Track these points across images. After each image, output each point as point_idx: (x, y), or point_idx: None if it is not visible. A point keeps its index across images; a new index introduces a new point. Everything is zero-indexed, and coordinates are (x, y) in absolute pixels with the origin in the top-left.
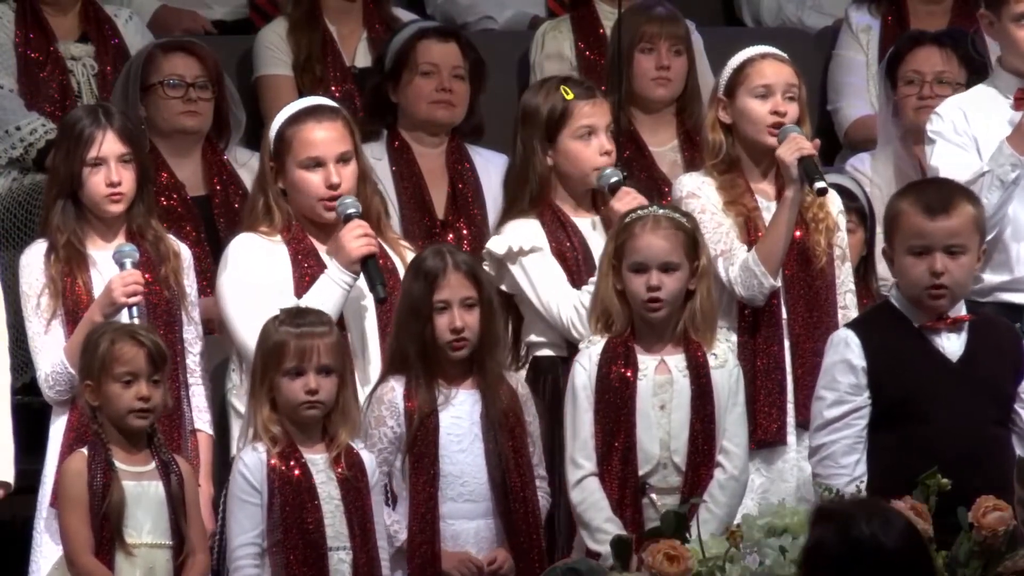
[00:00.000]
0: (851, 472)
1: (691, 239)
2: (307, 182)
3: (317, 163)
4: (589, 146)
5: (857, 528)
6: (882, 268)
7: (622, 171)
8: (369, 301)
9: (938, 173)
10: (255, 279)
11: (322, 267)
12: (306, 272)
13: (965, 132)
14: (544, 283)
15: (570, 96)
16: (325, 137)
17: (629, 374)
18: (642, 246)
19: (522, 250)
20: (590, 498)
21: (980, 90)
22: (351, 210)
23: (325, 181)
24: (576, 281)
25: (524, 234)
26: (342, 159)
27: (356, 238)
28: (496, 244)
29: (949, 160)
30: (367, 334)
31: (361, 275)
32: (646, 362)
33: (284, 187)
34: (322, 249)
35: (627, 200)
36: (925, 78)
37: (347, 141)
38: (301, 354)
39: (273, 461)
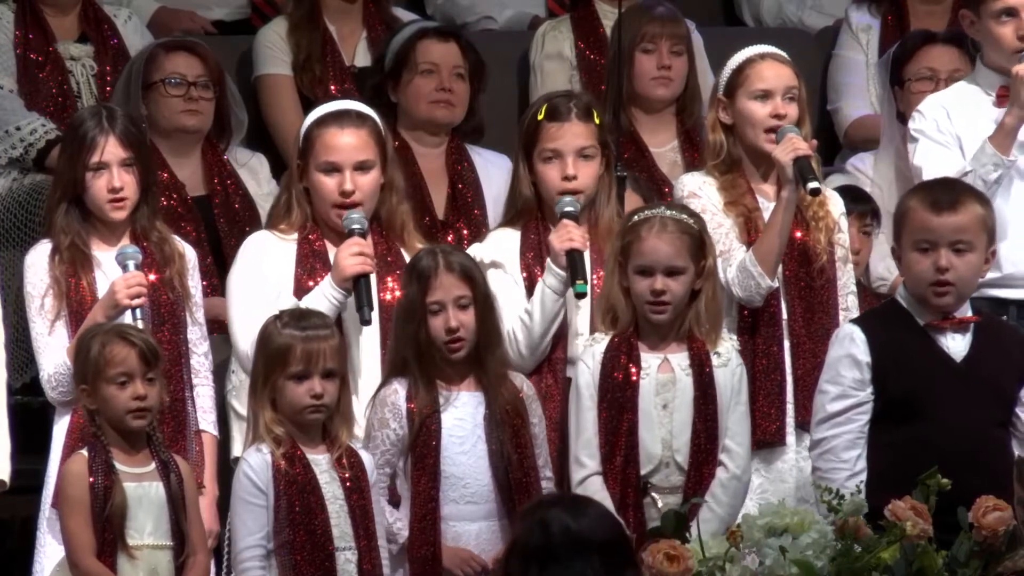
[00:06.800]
0: (851, 467)
1: (697, 240)
2: (323, 185)
3: (334, 168)
4: (552, 169)
5: (546, 515)
6: (882, 268)
7: (629, 178)
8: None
9: (921, 172)
10: (259, 277)
11: (327, 270)
12: (308, 273)
13: (948, 130)
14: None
15: (540, 117)
16: (344, 143)
17: (632, 372)
18: (648, 249)
19: (483, 262)
20: (593, 497)
21: (962, 87)
22: (355, 226)
23: (338, 187)
24: None
25: (495, 247)
26: (361, 167)
27: (351, 256)
28: (473, 251)
29: (932, 159)
30: (363, 347)
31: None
32: (649, 360)
33: (307, 187)
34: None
35: (560, 233)
36: (939, 75)
37: (369, 150)
38: (307, 358)
39: (278, 462)
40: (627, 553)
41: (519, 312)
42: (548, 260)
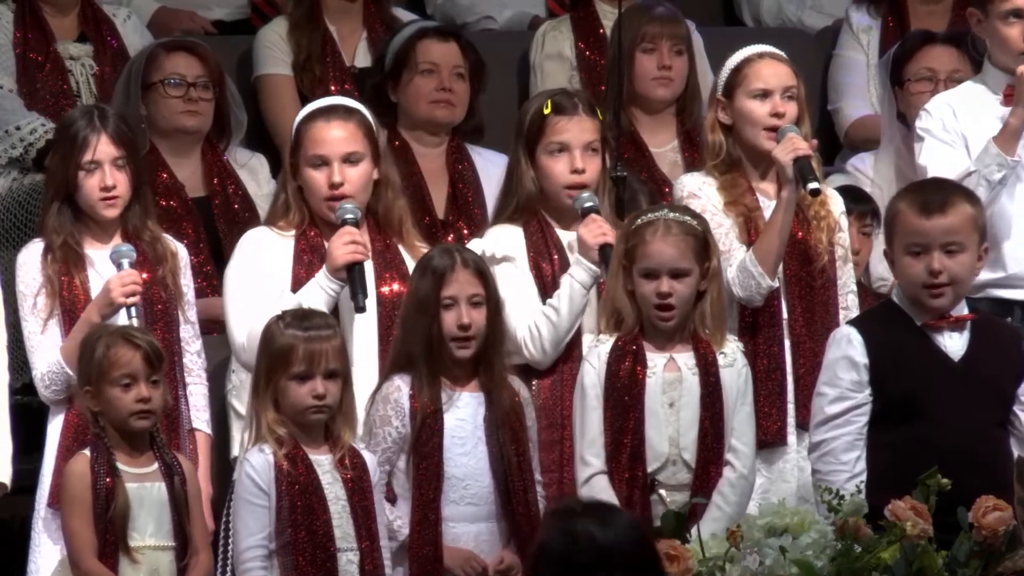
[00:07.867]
0: (851, 469)
1: (702, 242)
2: (313, 180)
3: (323, 161)
4: (559, 163)
5: (575, 524)
6: (883, 268)
7: (626, 177)
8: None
9: (927, 171)
10: (256, 271)
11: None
12: (306, 268)
13: (954, 129)
14: (508, 296)
15: (547, 111)
16: (332, 136)
17: (638, 372)
18: (652, 252)
19: (494, 257)
20: (599, 496)
21: (969, 87)
22: (348, 216)
23: (327, 180)
24: (549, 296)
25: (501, 241)
26: (349, 159)
27: (343, 245)
28: (475, 246)
29: (938, 158)
30: (360, 340)
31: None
32: (655, 360)
33: (300, 184)
34: None
35: (592, 228)
36: (939, 75)
37: (357, 142)
38: (310, 359)
39: (281, 463)
40: (654, 568)
41: (538, 307)
42: (577, 255)
